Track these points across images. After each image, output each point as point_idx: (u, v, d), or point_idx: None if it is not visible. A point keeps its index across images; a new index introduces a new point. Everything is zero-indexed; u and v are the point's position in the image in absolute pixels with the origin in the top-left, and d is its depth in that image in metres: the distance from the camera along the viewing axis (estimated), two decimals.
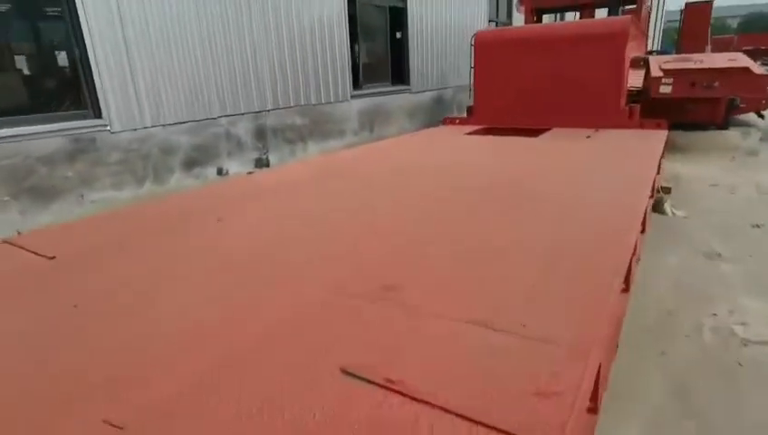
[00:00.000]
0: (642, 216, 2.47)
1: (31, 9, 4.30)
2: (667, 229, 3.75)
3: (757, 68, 6.36)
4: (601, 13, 9.67)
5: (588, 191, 2.52)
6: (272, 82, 6.11)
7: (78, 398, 1.00)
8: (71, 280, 1.64)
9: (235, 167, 5.78)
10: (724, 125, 8.72)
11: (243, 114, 5.78)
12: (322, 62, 6.85)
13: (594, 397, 1.09)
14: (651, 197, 3.71)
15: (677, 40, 14.72)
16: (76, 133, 4.25)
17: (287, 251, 1.82)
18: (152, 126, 4.83)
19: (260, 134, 6.04)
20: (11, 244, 2.01)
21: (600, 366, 1.06)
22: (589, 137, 4.90)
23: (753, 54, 6.76)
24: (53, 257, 1.83)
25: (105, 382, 1.03)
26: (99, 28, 4.33)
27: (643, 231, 2.96)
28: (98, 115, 4.39)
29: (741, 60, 6.49)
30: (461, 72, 9.54)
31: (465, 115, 6.56)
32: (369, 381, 0.97)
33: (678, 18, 14.84)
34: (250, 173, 5.88)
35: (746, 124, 8.55)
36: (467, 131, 5.74)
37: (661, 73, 6.46)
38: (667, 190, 4.75)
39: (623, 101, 5.76)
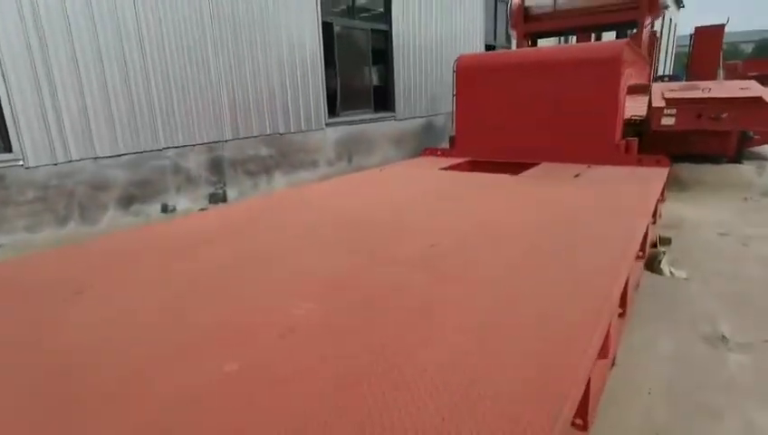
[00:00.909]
0: (616, 303, 1.81)
1: None
2: (663, 297, 3.05)
3: None
4: (608, 36, 9.12)
5: (548, 267, 1.86)
6: (231, 111, 5.59)
7: None
8: None
9: (184, 203, 5.21)
10: (736, 158, 8.00)
11: (195, 145, 5.23)
12: (292, 89, 6.33)
13: None
14: (641, 257, 3.04)
15: (687, 66, 14.10)
16: None
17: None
18: (79, 159, 4.29)
19: (216, 167, 5.49)
20: None
21: None
22: (577, 176, 4.26)
23: (760, 81, 6.09)
24: None
25: None
26: (7, 41, 3.83)
27: (623, 314, 2.29)
28: (7, 149, 3.86)
29: (754, 88, 5.82)
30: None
31: (448, 146, 5.98)
32: None
33: (689, 43, 14.27)
34: (202, 210, 5.31)
35: (762, 157, 7.83)
36: (443, 166, 5.13)
37: (663, 103, 5.82)
38: (667, 242, 4.06)
39: (619, 133, 5.13)
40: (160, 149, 4.91)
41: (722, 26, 12.40)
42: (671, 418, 1.96)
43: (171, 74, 4.94)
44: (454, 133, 5.94)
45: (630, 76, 5.58)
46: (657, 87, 6.93)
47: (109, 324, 1.48)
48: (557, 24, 7.36)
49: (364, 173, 4.94)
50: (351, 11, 7.32)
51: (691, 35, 13.46)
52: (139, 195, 4.79)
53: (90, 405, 1.06)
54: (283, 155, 6.30)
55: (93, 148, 4.39)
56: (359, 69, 7.72)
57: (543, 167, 4.89)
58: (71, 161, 4.23)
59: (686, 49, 15.82)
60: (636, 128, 6.27)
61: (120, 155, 4.59)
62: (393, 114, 8.29)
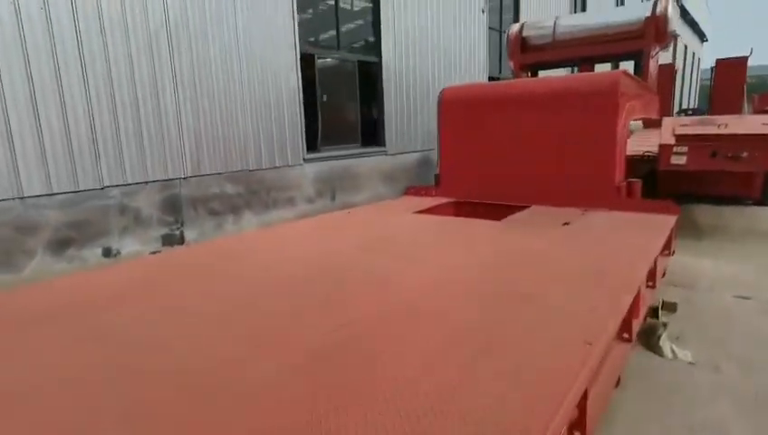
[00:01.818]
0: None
1: None
2: (657, 390, 2.35)
3: None
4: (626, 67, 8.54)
5: (473, 372, 1.24)
6: (192, 145, 5.17)
7: None
8: None
9: (132, 245, 4.74)
10: (763, 200, 7.18)
11: (147, 183, 4.80)
12: (265, 122, 5.91)
13: None
14: (627, 340, 2.36)
15: (710, 99, 13.35)
16: None
17: None
18: (2, 199, 3.88)
19: (171, 206, 5.03)
20: None
21: None
22: (567, 224, 3.63)
23: None
24: None
25: None
26: None
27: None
28: None
29: None
30: None
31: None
32: None
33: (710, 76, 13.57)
34: (154, 253, 4.83)
35: None
36: (420, 209, 4.56)
37: (673, 140, 5.16)
38: (672, 308, 3.34)
39: (620, 174, 4.49)
40: (101, 188, 4.48)
41: (745, 58, 11.70)
42: None
43: (120, 103, 4.55)
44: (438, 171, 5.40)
45: (633, 110, 4.96)
46: (668, 122, 6.27)
47: None
48: (557, 55, 6.84)
49: (324, 217, 4.41)
50: (337, 43, 6.96)
51: (712, 68, 12.80)
52: (76, 238, 4.33)
53: None
54: (253, 193, 5.83)
55: (20, 186, 3.97)
56: (345, 102, 7.31)
57: (532, 211, 4.29)
58: None
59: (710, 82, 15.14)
60: (650, 165, 5.62)
61: (53, 194, 4.16)
62: (383, 149, 7.80)
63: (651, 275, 2.99)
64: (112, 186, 4.54)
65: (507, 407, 1.10)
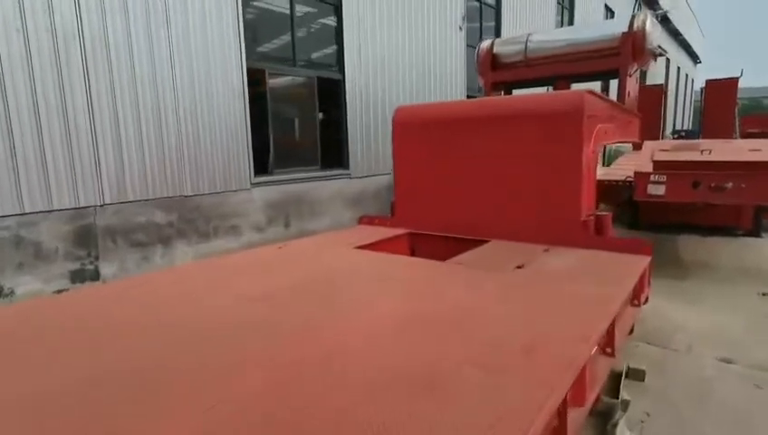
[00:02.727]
0: None
1: None
2: None
3: None
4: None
5: None
6: (112, 169, 4.61)
7: None
8: None
9: (31, 283, 4.13)
10: (754, 230, 6.62)
11: (50, 211, 4.22)
12: (205, 143, 5.36)
13: None
14: None
15: (700, 122, 12.92)
16: None
17: None
18: None
19: (83, 238, 4.44)
20: None
21: None
22: (520, 267, 3.07)
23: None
24: None
25: None
26: None
27: None
28: None
29: (766, 150, 4.59)
30: None
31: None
32: None
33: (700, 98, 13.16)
34: (59, 292, 4.23)
35: None
36: (362, 243, 3.99)
37: (650, 167, 4.61)
38: (639, 376, 2.74)
39: (586, 206, 3.93)
40: None
41: (735, 79, 11.27)
42: None
43: (17, 119, 4.00)
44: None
45: (606, 133, 4.41)
46: (649, 146, 5.75)
47: None
48: (530, 73, 6.34)
49: (247, 254, 3.83)
50: (293, 58, 6.46)
51: (702, 89, 12.38)
52: None
53: None
54: (188, 221, 5.24)
55: None
56: (302, 122, 6.78)
57: (488, 248, 3.76)
58: None
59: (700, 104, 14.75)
60: (632, 192, 5.12)
61: None
62: (347, 172, 7.25)
63: (609, 339, 2.41)
64: (5, 216, 3.96)
65: None
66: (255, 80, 5.95)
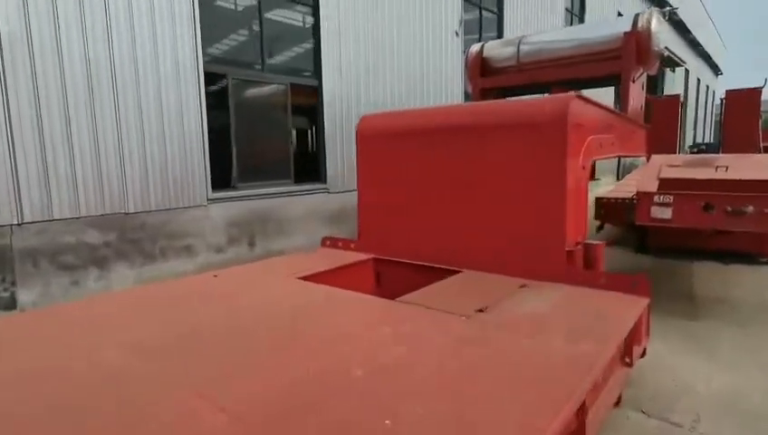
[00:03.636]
0: None
1: None
2: None
3: None
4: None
5: None
6: (35, 182, 4.08)
7: None
8: None
9: None
10: None
11: None
12: (151, 154, 4.82)
13: None
14: None
15: (720, 135, 12.06)
16: None
17: None
18: None
19: None
20: None
21: None
22: (481, 311, 2.45)
23: None
24: None
25: None
26: None
27: None
28: None
29: None
30: None
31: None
32: None
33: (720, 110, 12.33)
34: None
35: None
36: (311, 272, 3.38)
37: (655, 186, 3.91)
38: None
39: (573, 233, 3.26)
40: None
41: (758, 90, 10.43)
42: None
43: None
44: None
45: (602, 146, 3.73)
46: (656, 160, 5.05)
47: None
48: (522, 79, 5.69)
49: (171, 285, 3.28)
50: (261, 62, 5.93)
51: (722, 100, 11.55)
52: None
53: None
54: (129, 241, 4.69)
55: None
56: (271, 132, 6.22)
57: (457, 281, 3.19)
58: None
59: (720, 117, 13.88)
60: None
61: None
62: (324, 186, 6.66)
63: (580, 429, 1.74)
64: None
65: None
66: (221, 89, 5.43)
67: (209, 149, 5.31)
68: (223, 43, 5.76)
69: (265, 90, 6.11)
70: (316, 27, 6.43)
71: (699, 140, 26.76)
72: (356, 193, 6.99)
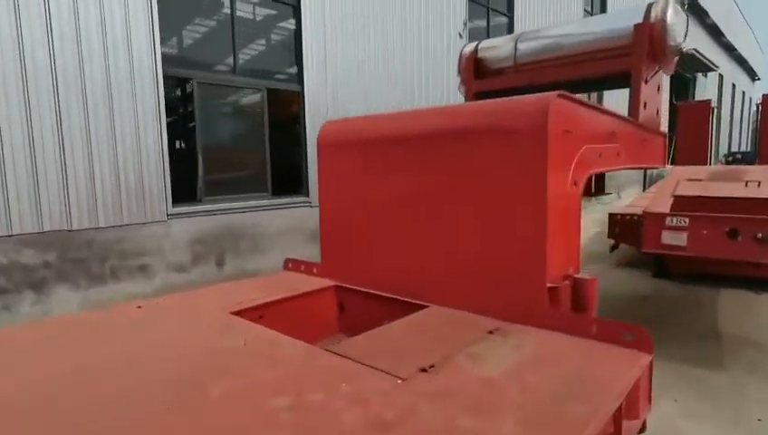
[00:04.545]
0: None
1: None
2: None
3: None
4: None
5: None
6: None
7: None
8: None
9: None
10: None
11: None
12: (101, 165, 4.39)
13: None
14: None
15: (757, 143, 11.07)
16: None
17: None
18: None
19: None
20: None
21: None
22: (424, 371, 1.79)
23: None
24: None
25: None
26: None
27: None
28: None
29: None
30: None
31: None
32: None
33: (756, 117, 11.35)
34: None
35: None
36: (251, 304, 2.79)
37: (667, 206, 3.22)
38: None
39: (557, 266, 2.59)
40: None
41: None
42: None
43: None
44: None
45: (600, 157, 3.06)
46: (676, 173, 4.34)
47: None
48: (519, 80, 5.05)
49: (96, 314, 2.71)
50: (233, 64, 5.47)
51: (758, 105, 10.59)
52: None
53: None
54: (73, 262, 4.25)
55: None
56: (244, 140, 5.75)
57: (416, 320, 2.54)
58: None
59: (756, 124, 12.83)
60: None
61: None
62: (306, 199, 6.13)
63: None
64: None
65: None
66: (186, 94, 4.99)
67: (172, 159, 4.86)
68: (185, 44, 5.33)
69: (234, 96, 5.65)
70: (297, 22, 5.95)
71: (735, 148, 25.29)
72: None
